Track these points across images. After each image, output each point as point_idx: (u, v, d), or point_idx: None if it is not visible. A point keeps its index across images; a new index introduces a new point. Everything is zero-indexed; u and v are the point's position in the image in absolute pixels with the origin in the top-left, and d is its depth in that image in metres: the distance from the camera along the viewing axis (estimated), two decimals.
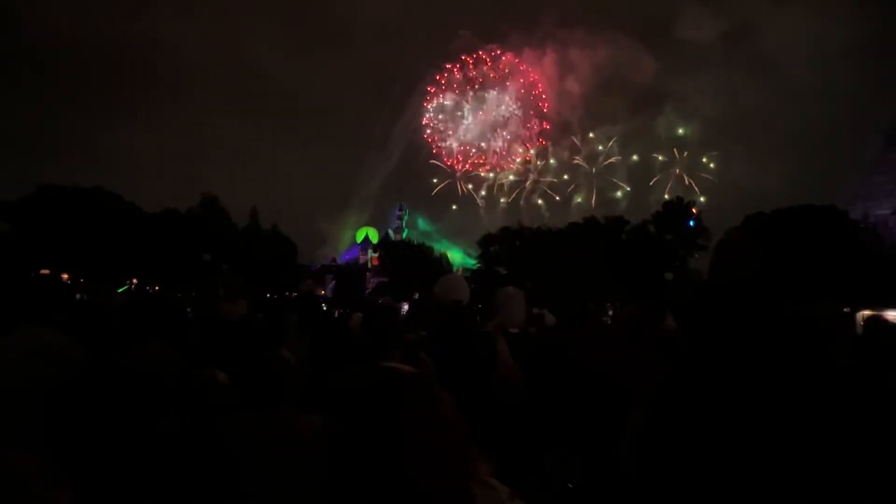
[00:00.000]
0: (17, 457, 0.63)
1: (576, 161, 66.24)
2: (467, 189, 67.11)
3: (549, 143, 67.02)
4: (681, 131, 65.87)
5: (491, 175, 66.95)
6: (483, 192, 67.27)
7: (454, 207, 68.26)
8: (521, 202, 66.38)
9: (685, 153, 64.84)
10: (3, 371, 2.24)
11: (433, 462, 0.71)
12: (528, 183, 66.13)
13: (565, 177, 66.81)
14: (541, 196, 66.61)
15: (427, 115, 67.46)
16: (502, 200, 67.10)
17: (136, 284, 34.32)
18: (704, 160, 64.10)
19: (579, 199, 65.62)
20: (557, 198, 65.89)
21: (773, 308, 1.55)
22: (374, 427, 0.72)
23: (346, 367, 2.07)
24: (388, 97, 64.14)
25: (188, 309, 5.26)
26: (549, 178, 66.80)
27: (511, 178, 66.70)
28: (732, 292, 1.58)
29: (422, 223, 68.70)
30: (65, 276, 29.00)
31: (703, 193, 60.06)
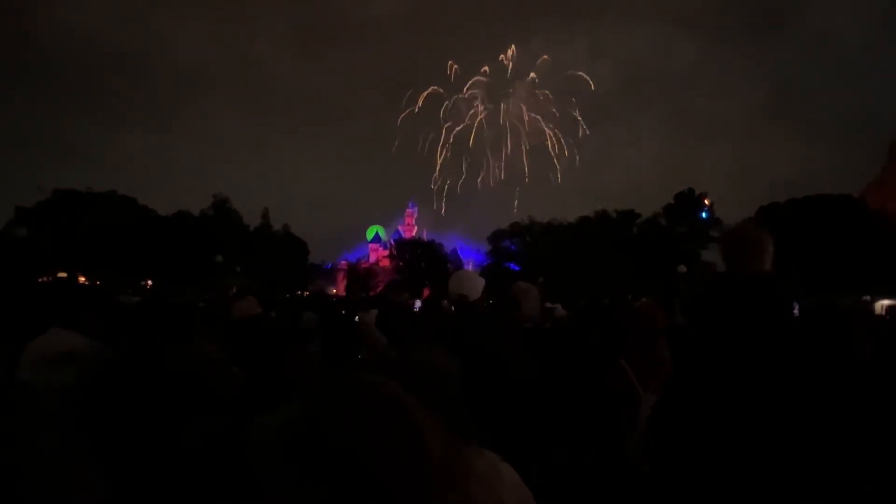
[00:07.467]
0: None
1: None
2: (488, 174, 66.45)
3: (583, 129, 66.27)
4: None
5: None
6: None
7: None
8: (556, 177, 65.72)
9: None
10: (36, 373, 2.26)
11: (395, 474, 0.77)
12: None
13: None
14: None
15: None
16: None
17: (153, 286, 34.74)
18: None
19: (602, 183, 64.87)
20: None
21: (788, 302, 1.47)
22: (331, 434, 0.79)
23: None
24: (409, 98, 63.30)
25: (201, 305, 5.31)
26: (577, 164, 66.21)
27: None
28: (745, 286, 1.51)
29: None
30: (81, 279, 29.44)
31: (718, 183, 59.28)
